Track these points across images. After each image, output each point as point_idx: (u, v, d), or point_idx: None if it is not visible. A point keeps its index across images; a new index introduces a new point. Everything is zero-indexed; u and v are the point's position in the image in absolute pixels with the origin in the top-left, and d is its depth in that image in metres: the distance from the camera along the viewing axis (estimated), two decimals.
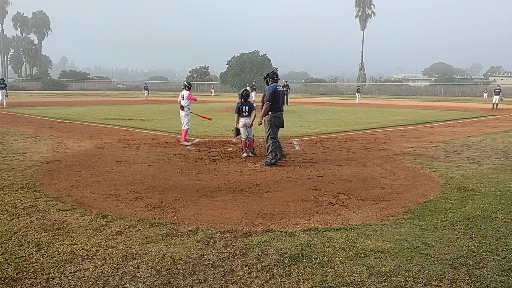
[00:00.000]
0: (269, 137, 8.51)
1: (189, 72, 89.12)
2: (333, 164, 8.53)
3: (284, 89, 39.57)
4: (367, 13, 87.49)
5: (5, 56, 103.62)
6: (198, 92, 72.08)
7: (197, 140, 11.61)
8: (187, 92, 11.13)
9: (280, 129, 8.74)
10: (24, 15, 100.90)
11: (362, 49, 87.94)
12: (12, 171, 7.39)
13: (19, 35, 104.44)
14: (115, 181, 6.84)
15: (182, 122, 11.16)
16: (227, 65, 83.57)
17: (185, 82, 11.42)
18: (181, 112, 11.19)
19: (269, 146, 8.44)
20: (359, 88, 44.67)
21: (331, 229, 4.60)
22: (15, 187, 6.29)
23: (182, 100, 11.13)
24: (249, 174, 7.57)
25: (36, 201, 5.59)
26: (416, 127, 16.41)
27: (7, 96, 26.75)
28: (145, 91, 42.99)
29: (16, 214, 5.00)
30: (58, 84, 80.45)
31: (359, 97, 41.82)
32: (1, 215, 4.97)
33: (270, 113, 8.49)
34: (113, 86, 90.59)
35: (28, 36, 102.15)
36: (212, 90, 71.17)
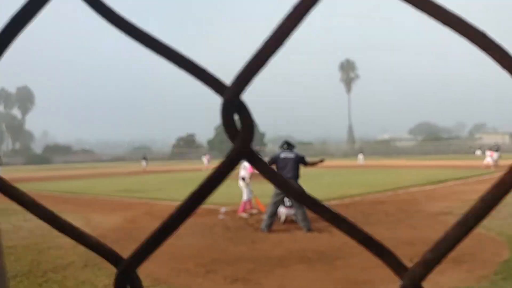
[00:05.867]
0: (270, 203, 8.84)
1: (175, 140, 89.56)
2: (380, 228, 8.45)
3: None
4: (351, 76, 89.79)
5: None
6: (185, 160, 71.59)
7: (224, 209, 11.46)
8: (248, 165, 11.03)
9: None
10: (8, 91, 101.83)
11: (349, 111, 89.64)
12: (63, 249, 7.13)
13: (2, 111, 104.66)
14: (172, 255, 6.62)
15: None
16: (215, 132, 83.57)
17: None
18: (241, 183, 10.89)
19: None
20: (361, 150, 45.79)
21: None
22: (76, 265, 6.07)
23: (244, 171, 10.97)
24: (304, 241, 7.48)
25: (109, 278, 5.38)
26: (434, 187, 16.20)
27: None
28: (143, 161, 43.25)
29: None
30: (41, 158, 79.66)
31: (363, 158, 42.60)
32: None
33: None
34: (97, 157, 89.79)
35: (11, 111, 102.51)
36: (204, 159, 60.52)
